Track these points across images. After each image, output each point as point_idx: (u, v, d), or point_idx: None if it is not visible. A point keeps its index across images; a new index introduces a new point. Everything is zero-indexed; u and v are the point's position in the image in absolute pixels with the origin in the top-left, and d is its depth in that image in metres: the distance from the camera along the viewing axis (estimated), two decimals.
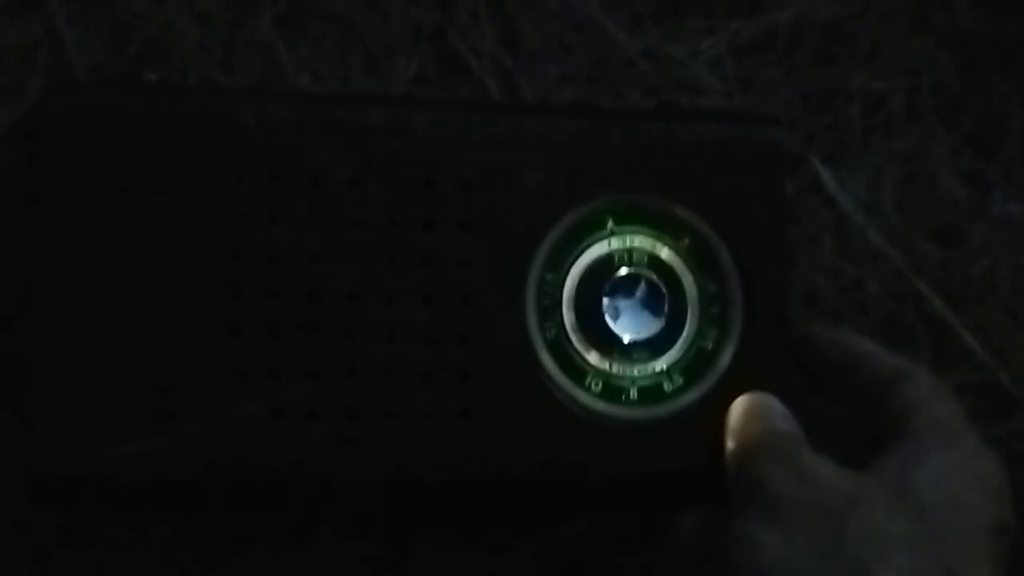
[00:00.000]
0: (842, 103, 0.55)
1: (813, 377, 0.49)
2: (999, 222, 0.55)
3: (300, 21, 0.53)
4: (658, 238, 0.48)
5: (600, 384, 0.47)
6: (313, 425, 0.45)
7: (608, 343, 0.47)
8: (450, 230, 0.46)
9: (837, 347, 0.49)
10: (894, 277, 0.54)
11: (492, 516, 0.52)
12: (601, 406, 0.47)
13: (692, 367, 0.47)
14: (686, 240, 0.48)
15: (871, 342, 0.49)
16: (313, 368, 0.45)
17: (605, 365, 0.47)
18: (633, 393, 0.47)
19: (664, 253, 0.48)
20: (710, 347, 0.48)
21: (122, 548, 0.50)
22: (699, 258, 0.48)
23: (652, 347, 0.47)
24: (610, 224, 0.47)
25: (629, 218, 0.47)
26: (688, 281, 0.48)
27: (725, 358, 0.47)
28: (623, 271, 0.47)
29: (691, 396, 0.47)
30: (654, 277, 0.47)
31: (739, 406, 0.46)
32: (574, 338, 0.47)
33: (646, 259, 0.47)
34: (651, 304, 0.47)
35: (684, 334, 0.47)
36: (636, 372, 0.47)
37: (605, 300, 0.47)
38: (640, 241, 0.47)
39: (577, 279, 0.47)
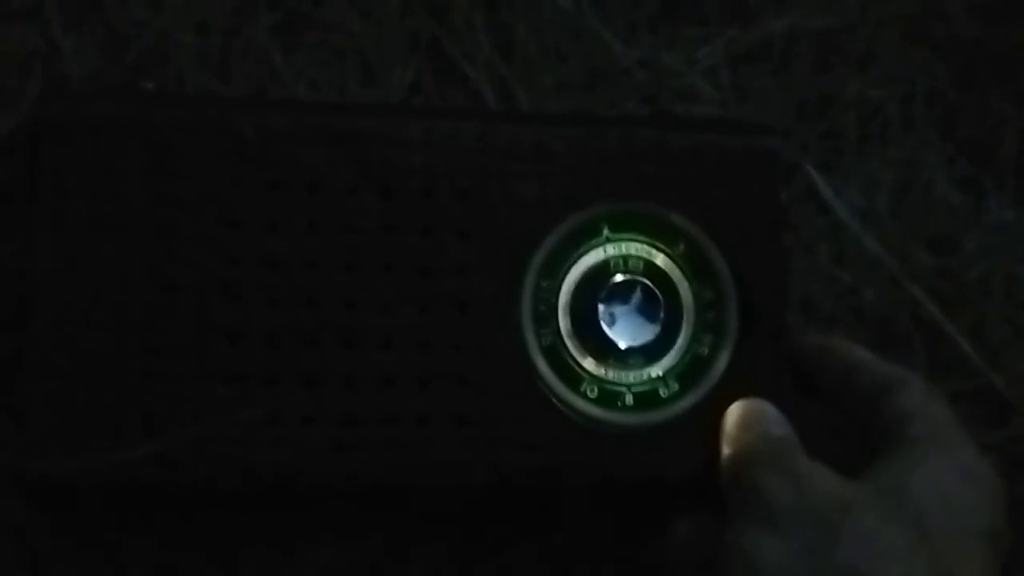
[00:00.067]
0: (837, 111, 0.56)
1: (807, 385, 0.49)
2: (994, 229, 0.56)
3: (297, 30, 0.53)
4: (653, 245, 0.48)
5: (596, 390, 0.47)
6: (311, 431, 0.45)
7: (604, 349, 0.47)
8: (446, 238, 0.46)
9: (830, 355, 0.49)
10: (889, 284, 0.55)
11: (489, 521, 0.52)
12: (597, 412, 0.47)
13: (688, 373, 0.47)
14: (681, 247, 0.48)
15: (865, 350, 0.49)
16: (311, 375, 0.45)
17: (601, 371, 0.47)
18: (629, 399, 0.47)
19: (660, 260, 0.48)
20: (706, 353, 0.48)
21: (119, 552, 0.50)
22: (695, 265, 0.48)
23: (648, 353, 0.47)
24: (606, 231, 0.47)
25: (625, 225, 0.48)
26: (684, 288, 0.48)
27: (721, 364, 0.48)
28: (619, 277, 0.47)
29: (687, 402, 0.47)
30: (650, 283, 0.47)
31: (735, 412, 0.46)
32: (570, 344, 0.47)
33: (642, 266, 0.47)
34: (647, 310, 0.47)
35: (680, 340, 0.48)
36: (632, 378, 0.47)
37: (601, 307, 0.47)
38: (636, 248, 0.48)
39: (573, 286, 0.47)
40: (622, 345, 0.47)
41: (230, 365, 0.45)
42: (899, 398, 0.46)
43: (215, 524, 0.50)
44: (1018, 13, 0.57)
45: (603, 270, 0.47)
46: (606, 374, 0.47)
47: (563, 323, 0.47)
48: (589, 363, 0.47)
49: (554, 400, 0.46)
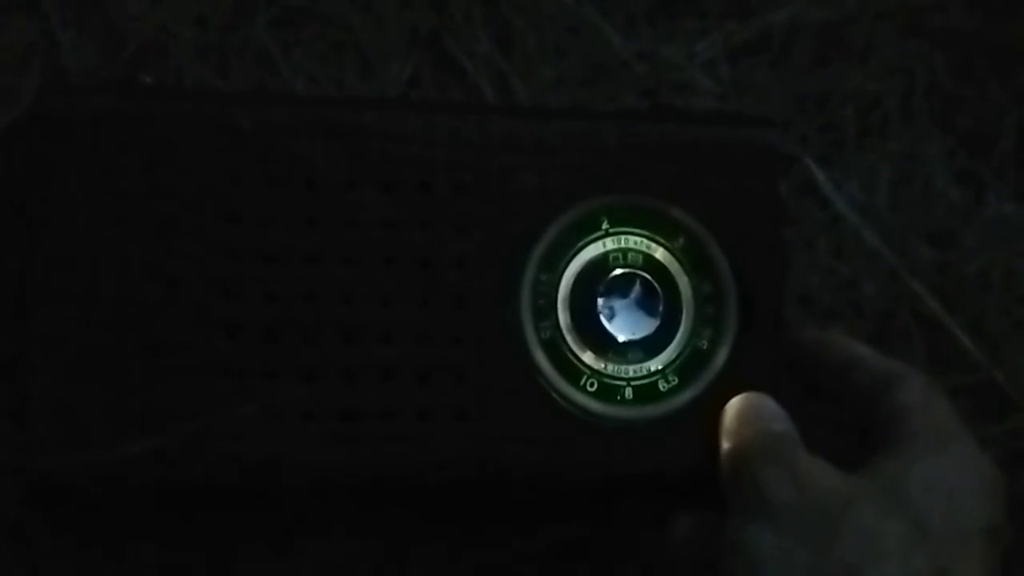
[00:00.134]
0: (836, 104, 0.56)
1: (806, 380, 0.49)
2: (993, 222, 0.56)
3: (295, 24, 0.53)
4: (653, 238, 0.48)
5: (595, 384, 0.47)
6: (310, 425, 0.45)
7: (603, 343, 0.47)
8: (446, 232, 0.46)
9: (829, 350, 0.49)
10: (889, 278, 0.55)
11: (489, 516, 0.52)
12: (596, 406, 0.47)
13: (687, 367, 0.47)
14: (681, 240, 0.48)
15: (863, 345, 0.49)
16: (310, 369, 0.45)
17: (600, 365, 0.47)
18: (628, 393, 0.47)
19: (659, 253, 0.48)
20: (705, 347, 0.48)
21: (118, 550, 0.50)
22: (694, 258, 0.48)
23: (647, 347, 0.47)
24: (605, 225, 0.47)
25: (624, 219, 0.48)
26: (683, 281, 0.48)
27: (720, 358, 0.48)
28: (618, 271, 0.47)
29: (686, 396, 0.47)
30: (649, 277, 0.47)
31: (734, 406, 0.46)
32: (569, 338, 0.47)
33: (641, 259, 0.47)
34: (646, 304, 0.47)
35: (679, 334, 0.48)
36: (631, 372, 0.47)
37: (600, 300, 0.47)
38: (635, 241, 0.48)
39: (572, 279, 0.47)
40: (621, 339, 0.47)
41: (229, 360, 0.45)
42: (898, 393, 0.46)
43: (214, 521, 0.51)
44: (1017, 6, 0.57)
45: (602, 264, 0.47)
46: (605, 368, 0.47)
47: (562, 317, 0.47)
48: (588, 357, 0.47)
49: (553, 394, 0.46)
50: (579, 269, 0.47)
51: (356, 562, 0.51)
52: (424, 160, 0.46)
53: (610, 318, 0.47)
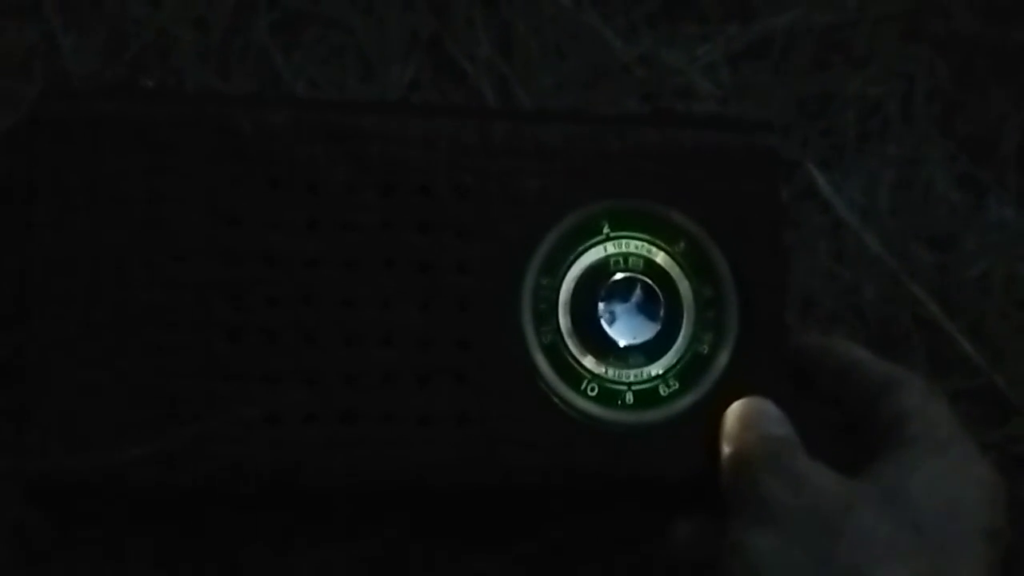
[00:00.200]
0: (837, 108, 0.56)
1: (806, 385, 0.49)
2: (994, 227, 0.56)
3: (296, 27, 0.53)
4: (654, 243, 0.48)
5: (596, 388, 0.47)
6: (311, 428, 0.45)
7: (604, 347, 0.47)
8: (446, 235, 0.46)
9: (829, 354, 0.49)
10: (889, 282, 0.55)
11: (489, 519, 0.52)
12: (597, 410, 0.47)
13: (688, 371, 0.47)
14: (682, 245, 0.48)
15: (864, 349, 0.49)
16: (311, 373, 0.45)
17: (601, 369, 0.47)
18: (629, 397, 0.47)
19: (660, 258, 0.48)
20: (706, 351, 0.48)
21: (120, 551, 0.50)
22: (695, 263, 0.48)
23: (648, 351, 0.47)
24: (606, 229, 0.47)
25: (625, 223, 0.48)
26: (684, 286, 0.48)
27: (721, 362, 0.48)
28: (619, 276, 0.47)
29: (687, 400, 0.47)
30: (650, 281, 0.47)
31: (735, 411, 0.46)
32: (570, 342, 0.47)
33: (642, 264, 0.47)
34: (647, 308, 0.47)
35: (680, 338, 0.48)
36: (632, 376, 0.47)
37: (601, 305, 0.47)
38: (636, 246, 0.48)
39: (573, 284, 0.47)
40: (622, 343, 0.47)
41: (230, 363, 0.45)
42: (898, 397, 0.46)
43: (215, 523, 0.51)
44: (1018, 10, 0.57)
45: (603, 268, 0.47)
46: (606, 372, 0.47)
47: (563, 321, 0.47)
48: (589, 361, 0.47)
49: (554, 398, 0.46)
50: (580, 273, 0.47)
51: (356, 564, 0.51)
52: (425, 164, 0.46)
53: (611, 322, 0.47)
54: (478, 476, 0.46)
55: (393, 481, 0.45)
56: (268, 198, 0.45)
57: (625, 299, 0.47)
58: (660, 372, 0.47)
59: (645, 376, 0.47)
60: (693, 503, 0.47)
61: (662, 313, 0.47)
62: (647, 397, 0.47)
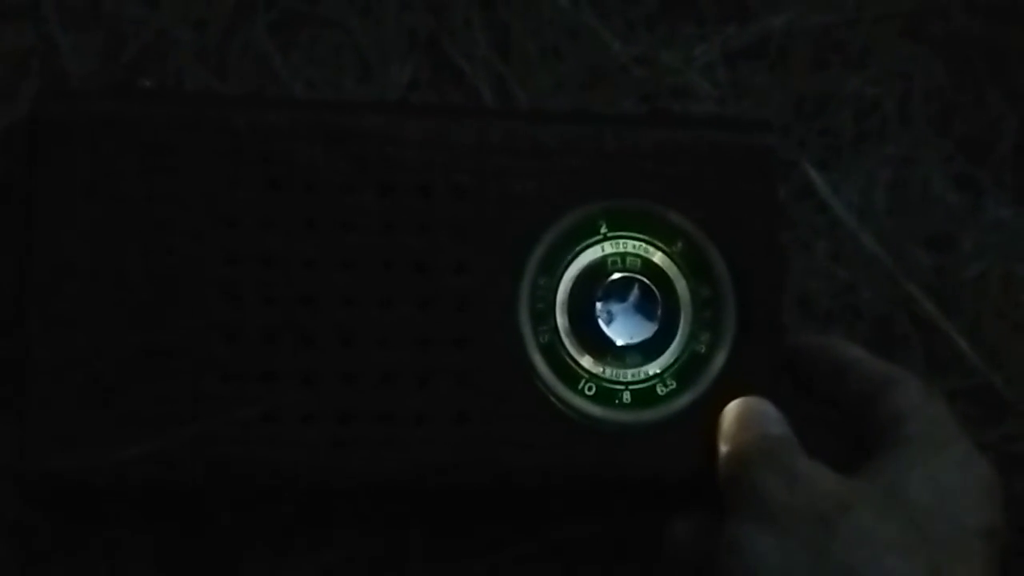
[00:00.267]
0: (834, 108, 0.56)
1: (803, 384, 0.49)
2: (991, 227, 0.56)
3: (294, 28, 0.53)
4: (651, 243, 0.48)
5: (594, 388, 0.47)
6: (309, 429, 0.45)
7: (601, 347, 0.47)
8: (444, 235, 0.46)
9: (826, 354, 0.49)
10: (887, 282, 0.55)
11: (487, 519, 0.52)
12: (594, 410, 0.47)
13: (685, 371, 0.48)
14: (679, 244, 0.48)
15: (861, 349, 0.49)
16: (309, 373, 0.45)
17: (599, 369, 0.47)
18: (626, 397, 0.47)
19: (657, 257, 0.48)
20: (703, 351, 0.48)
21: (118, 551, 0.50)
22: (692, 262, 0.48)
23: (645, 351, 0.47)
24: (603, 229, 0.47)
25: (622, 223, 0.48)
26: (681, 285, 0.48)
27: (718, 362, 0.48)
28: (616, 275, 0.47)
29: (684, 400, 0.47)
30: (647, 281, 0.47)
31: (732, 410, 0.47)
32: (568, 342, 0.47)
33: (639, 263, 0.48)
34: (644, 308, 0.47)
35: (677, 338, 0.48)
36: (629, 376, 0.47)
37: (598, 304, 0.47)
38: (633, 246, 0.48)
39: (571, 283, 0.47)
40: (620, 343, 0.47)
41: (228, 363, 0.45)
42: (895, 397, 0.46)
43: (215, 523, 0.51)
44: (1016, 10, 0.57)
45: (601, 268, 0.47)
46: (604, 372, 0.47)
47: (561, 321, 0.47)
48: (587, 361, 0.47)
49: (552, 398, 0.46)
50: (577, 273, 0.47)
51: (355, 565, 0.51)
52: (423, 164, 0.46)
53: (608, 322, 0.47)
54: (476, 475, 0.46)
55: (391, 481, 0.46)
56: (266, 198, 0.45)
57: (623, 299, 0.47)
58: (657, 372, 0.47)
59: (642, 376, 0.47)
60: (691, 502, 0.47)
61: (659, 313, 0.47)
62: (645, 397, 0.47)
